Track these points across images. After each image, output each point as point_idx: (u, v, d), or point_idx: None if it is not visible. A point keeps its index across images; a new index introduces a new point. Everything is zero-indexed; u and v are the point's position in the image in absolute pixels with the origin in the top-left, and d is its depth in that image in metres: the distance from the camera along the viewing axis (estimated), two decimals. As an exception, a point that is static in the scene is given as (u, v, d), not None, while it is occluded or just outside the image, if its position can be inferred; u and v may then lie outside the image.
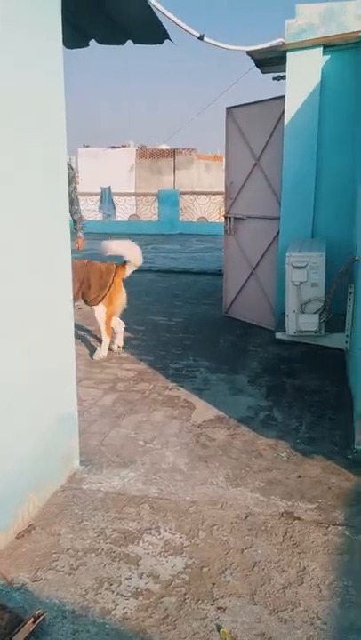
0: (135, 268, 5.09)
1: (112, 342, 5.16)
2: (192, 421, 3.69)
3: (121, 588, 2.16)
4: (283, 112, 5.28)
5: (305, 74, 5.14)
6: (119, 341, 5.26)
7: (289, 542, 2.44)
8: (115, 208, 18.35)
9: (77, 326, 5.14)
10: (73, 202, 5.26)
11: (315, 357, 4.92)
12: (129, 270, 5.05)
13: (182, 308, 7.02)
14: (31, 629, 1.89)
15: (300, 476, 3.00)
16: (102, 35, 3.80)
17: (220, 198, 14.48)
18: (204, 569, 2.27)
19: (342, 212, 5.23)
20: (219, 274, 7.64)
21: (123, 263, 5.03)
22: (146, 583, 2.19)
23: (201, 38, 5.47)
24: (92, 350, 5.14)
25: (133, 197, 20.04)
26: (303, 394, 4.16)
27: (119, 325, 5.23)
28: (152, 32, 3.65)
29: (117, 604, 2.08)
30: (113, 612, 2.04)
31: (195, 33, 5.33)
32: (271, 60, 5.56)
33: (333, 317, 4.50)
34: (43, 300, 2.60)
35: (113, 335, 5.16)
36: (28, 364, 2.49)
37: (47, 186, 2.57)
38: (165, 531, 2.52)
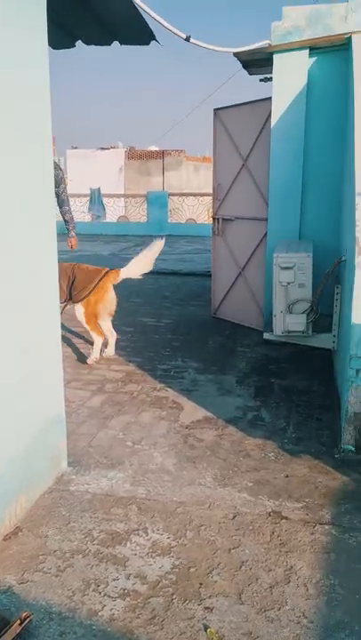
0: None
1: (102, 351, 4.99)
2: (180, 422, 3.69)
3: (108, 589, 2.16)
4: (270, 113, 5.30)
5: (291, 76, 5.16)
6: (110, 351, 5.06)
7: (276, 542, 2.45)
8: (104, 209, 18.22)
9: (64, 327, 5.10)
10: (63, 202, 5.25)
11: (302, 358, 4.95)
12: (121, 278, 4.91)
13: (171, 310, 7.03)
14: (18, 631, 1.89)
15: (287, 476, 3.01)
16: (88, 35, 3.79)
17: (209, 200, 14.46)
18: (192, 569, 2.28)
19: (329, 213, 5.28)
20: (207, 275, 7.65)
21: (116, 269, 4.94)
22: (133, 584, 2.19)
23: (188, 39, 5.48)
24: (79, 351, 5.12)
25: (122, 199, 20.02)
26: (291, 394, 4.18)
27: (112, 337, 5.09)
28: (138, 33, 3.64)
29: (105, 606, 2.08)
30: (100, 614, 2.04)
31: (181, 34, 5.34)
32: (258, 62, 5.60)
33: (321, 318, 4.54)
34: (29, 300, 2.59)
35: (103, 343, 4.98)
36: (14, 364, 2.48)
37: (33, 186, 2.57)
38: (153, 531, 2.52)
